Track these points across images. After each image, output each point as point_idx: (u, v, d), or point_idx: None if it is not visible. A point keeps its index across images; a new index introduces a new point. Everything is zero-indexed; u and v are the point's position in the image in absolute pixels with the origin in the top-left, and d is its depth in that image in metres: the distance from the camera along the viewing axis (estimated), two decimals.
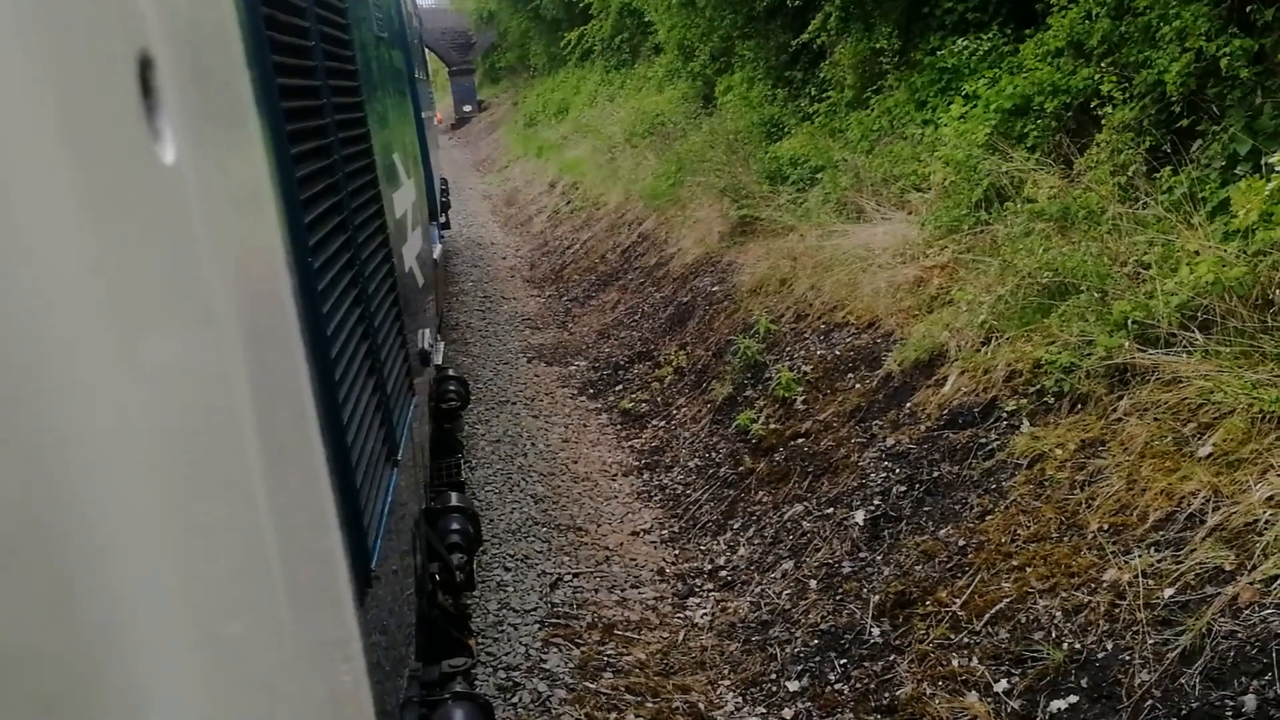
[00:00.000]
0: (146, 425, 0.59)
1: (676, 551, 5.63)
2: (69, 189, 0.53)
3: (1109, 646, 3.31)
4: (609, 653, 4.62)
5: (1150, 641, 3.21)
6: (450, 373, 6.44)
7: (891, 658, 3.95)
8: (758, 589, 4.91)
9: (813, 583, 4.67)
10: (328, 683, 1.05)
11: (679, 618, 4.92)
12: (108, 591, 0.54)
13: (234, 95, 0.90)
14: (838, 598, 4.46)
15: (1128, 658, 3.23)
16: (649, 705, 4.20)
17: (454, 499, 4.42)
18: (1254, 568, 3.18)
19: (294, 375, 1.00)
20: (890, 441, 5.22)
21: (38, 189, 0.51)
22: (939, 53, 8.41)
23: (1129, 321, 4.44)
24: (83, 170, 0.54)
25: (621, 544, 5.77)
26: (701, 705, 4.17)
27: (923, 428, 5.15)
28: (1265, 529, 3.27)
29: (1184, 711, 2.94)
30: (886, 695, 3.77)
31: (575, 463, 7.05)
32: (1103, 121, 6.10)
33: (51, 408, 0.52)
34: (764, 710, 4.06)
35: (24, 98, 0.51)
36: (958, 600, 3.92)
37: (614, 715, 4.17)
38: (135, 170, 0.62)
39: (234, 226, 0.85)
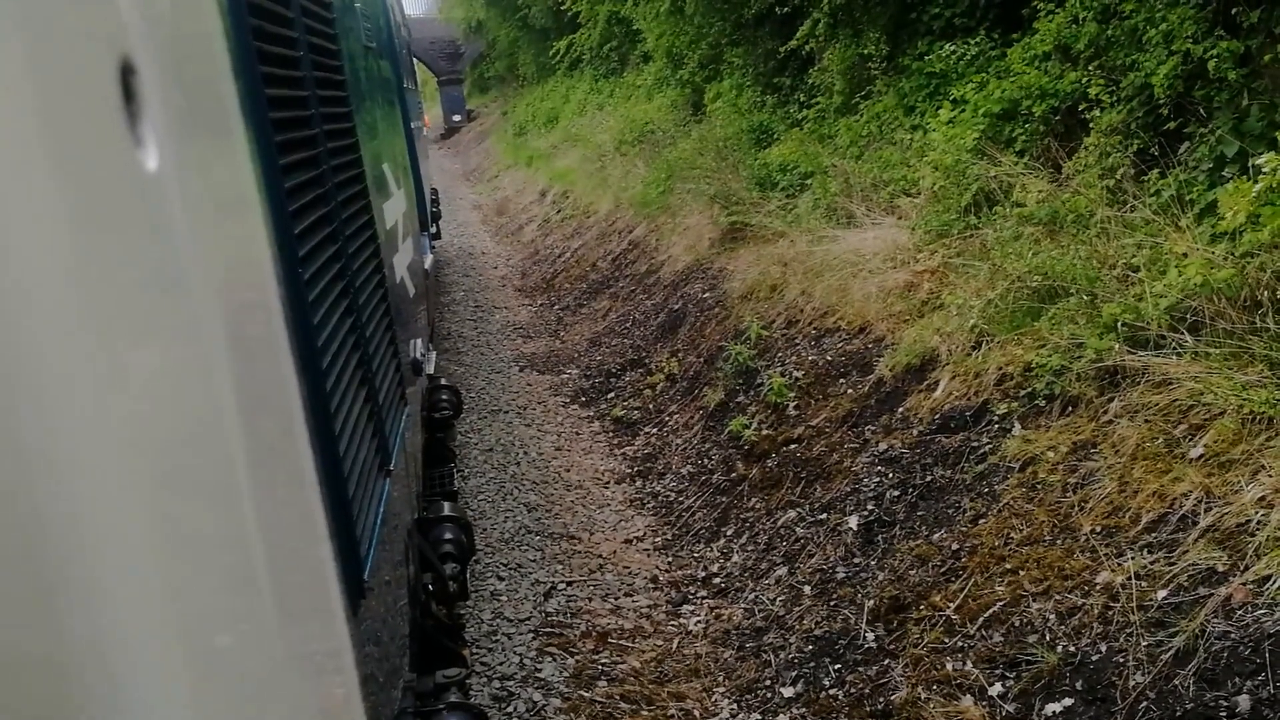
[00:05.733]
0: (128, 434, 0.59)
1: (670, 559, 5.62)
2: (49, 193, 0.53)
3: (1103, 649, 3.31)
4: (603, 661, 4.61)
5: (1144, 643, 3.21)
6: (442, 382, 6.43)
7: (886, 662, 3.94)
8: (751, 595, 4.91)
9: (807, 588, 4.67)
10: (319, 694, 1.05)
11: (673, 625, 4.91)
12: (91, 602, 0.54)
13: (219, 104, 0.90)
14: (832, 603, 4.46)
15: (1122, 660, 3.23)
16: (644, 713, 4.19)
17: (447, 508, 4.40)
18: (1247, 568, 3.19)
19: (282, 385, 0.99)
20: (883, 446, 5.23)
21: (17, 192, 0.51)
22: (927, 58, 8.44)
23: (1119, 324, 4.45)
24: (63, 175, 0.54)
25: (615, 552, 5.76)
26: (696, 712, 4.16)
27: (915, 432, 5.15)
28: (1257, 529, 3.27)
29: (1178, 713, 2.94)
30: (881, 700, 3.77)
31: (568, 471, 7.04)
32: (1090, 125, 6.13)
33: (31, 417, 0.51)
34: (759, 716, 4.05)
35: (3, 100, 0.50)
36: (952, 604, 3.92)
37: None
38: (116, 176, 0.62)
39: (219, 235, 0.85)
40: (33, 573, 0.52)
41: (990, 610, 3.76)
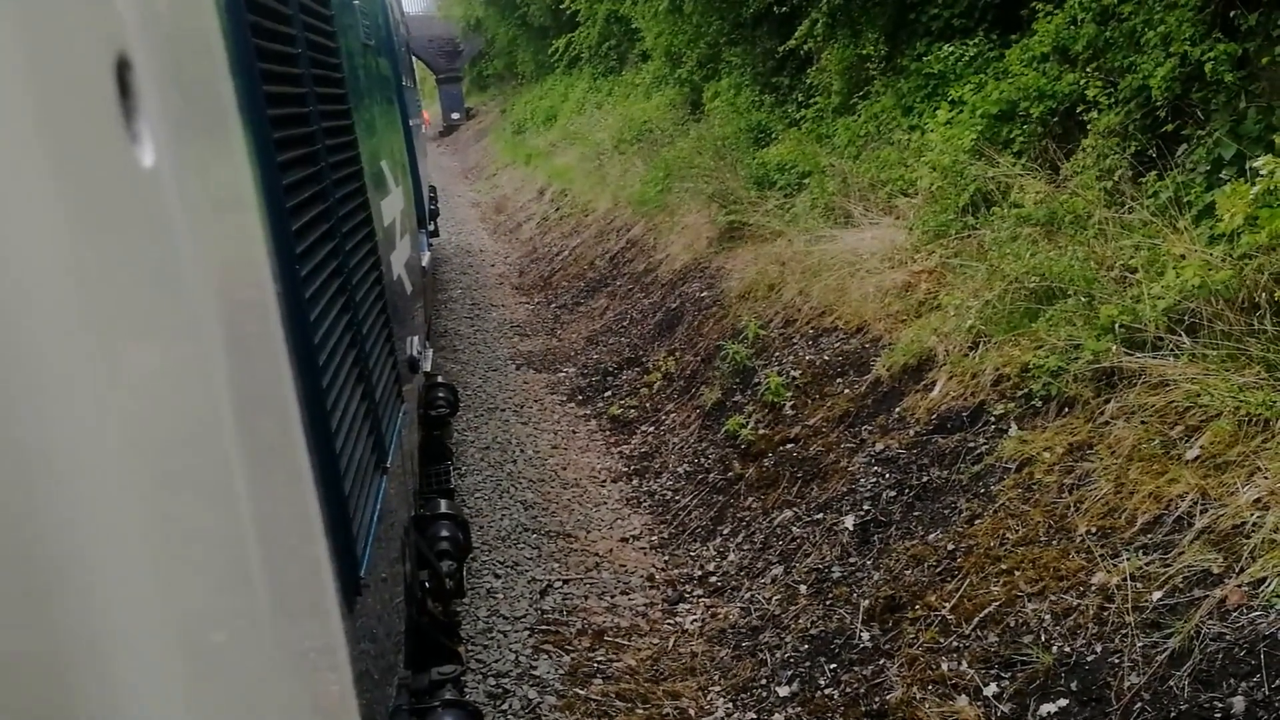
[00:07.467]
0: (125, 431, 0.59)
1: (666, 557, 5.62)
2: (45, 190, 0.53)
3: (1098, 649, 3.32)
4: (599, 659, 4.61)
5: (1139, 644, 3.21)
6: (439, 380, 6.42)
7: (881, 662, 3.95)
8: (747, 594, 4.91)
9: (803, 588, 4.67)
10: (314, 691, 1.05)
11: (669, 624, 4.91)
12: (87, 599, 0.54)
13: (216, 100, 0.90)
14: (828, 603, 4.46)
15: (1117, 660, 3.23)
16: (639, 711, 4.19)
17: (443, 506, 4.40)
18: (1242, 570, 3.19)
19: (278, 382, 0.99)
20: (879, 446, 5.23)
21: (13, 189, 0.50)
22: (925, 59, 8.44)
23: (1116, 325, 4.46)
24: (59, 171, 0.54)
25: (611, 550, 5.76)
26: (692, 711, 4.16)
27: (911, 432, 5.16)
28: (1253, 531, 3.28)
29: (1173, 714, 2.94)
30: (876, 699, 3.77)
31: (564, 469, 7.04)
32: (1088, 126, 6.13)
33: (27, 415, 0.51)
34: (754, 715, 4.05)
35: None
36: (947, 604, 3.92)
37: None
38: (113, 172, 0.62)
39: (216, 231, 0.85)
40: (30, 571, 0.52)
41: (985, 610, 3.77)
